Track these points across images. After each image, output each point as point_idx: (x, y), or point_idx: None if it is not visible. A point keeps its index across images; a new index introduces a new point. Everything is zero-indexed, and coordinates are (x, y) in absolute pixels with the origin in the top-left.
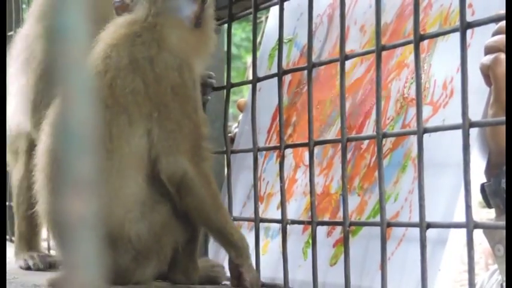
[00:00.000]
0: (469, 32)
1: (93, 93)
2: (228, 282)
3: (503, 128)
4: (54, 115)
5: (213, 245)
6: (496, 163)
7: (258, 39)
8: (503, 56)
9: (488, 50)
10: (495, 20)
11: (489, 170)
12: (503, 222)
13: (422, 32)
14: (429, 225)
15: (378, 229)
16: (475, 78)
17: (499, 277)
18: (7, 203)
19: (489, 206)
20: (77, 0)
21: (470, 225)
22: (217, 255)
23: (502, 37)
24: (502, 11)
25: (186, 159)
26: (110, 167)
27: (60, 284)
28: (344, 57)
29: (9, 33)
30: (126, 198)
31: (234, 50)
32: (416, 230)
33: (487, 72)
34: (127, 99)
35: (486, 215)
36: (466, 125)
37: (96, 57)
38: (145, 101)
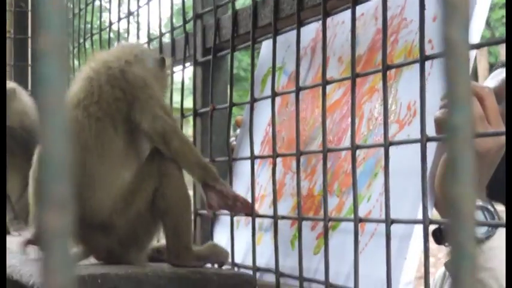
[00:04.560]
0: (428, 63)
1: (68, 130)
2: (229, 266)
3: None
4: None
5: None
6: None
7: None
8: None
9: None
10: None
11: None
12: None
13: (389, 63)
14: (393, 221)
15: (353, 225)
16: (434, 101)
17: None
18: None
19: (439, 243)
20: (57, 52)
21: (426, 221)
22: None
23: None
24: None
25: (163, 115)
26: (102, 169)
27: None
28: (325, 83)
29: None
30: (115, 192)
31: (242, 72)
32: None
33: (442, 123)
34: (111, 107)
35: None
36: (424, 140)
37: (81, 81)
38: (124, 103)
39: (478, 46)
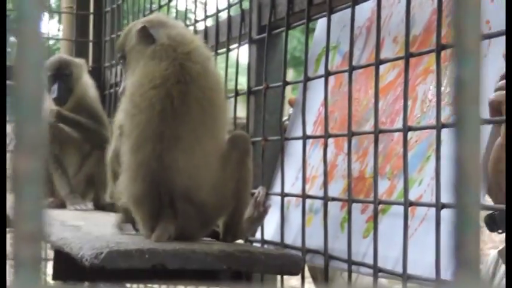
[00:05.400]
0: (486, 43)
1: (41, 69)
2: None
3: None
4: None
5: None
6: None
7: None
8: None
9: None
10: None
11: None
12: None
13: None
14: (444, 206)
15: (403, 208)
16: (489, 83)
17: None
18: None
19: (492, 230)
20: None
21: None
22: None
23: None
24: None
25: None
26: (212, 148)
27: None
28: (378, 62)
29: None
30: (212, 173)
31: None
32: None
33: (497, 106)
34: None
35: None
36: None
37: None
38: None
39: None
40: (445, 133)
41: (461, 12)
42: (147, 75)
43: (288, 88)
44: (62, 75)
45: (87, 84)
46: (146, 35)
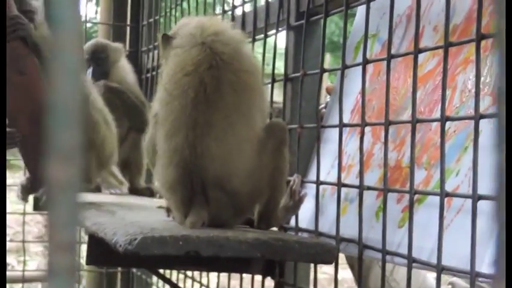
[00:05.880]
0: None
1: (78, 75)
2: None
3: None
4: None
5: None
6: None
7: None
8: None
9: None
10: None
11: None
12: None
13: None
14: (480, 197)
15: (439, 199)
16: None
17: None
18: None
19: None
20: None
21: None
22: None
23: None
24: None
25: None
26: (246, 135)
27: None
28: (417, 51)
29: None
30: (247, 161)
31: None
32: None
33: None
34: None
35: None
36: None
37: None
38: None
39: None
40: (484, 124)
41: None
42: (179, 64)
43: (325, 73)
44: (98, 58)
45: (125, 68)
46: (167, 39)
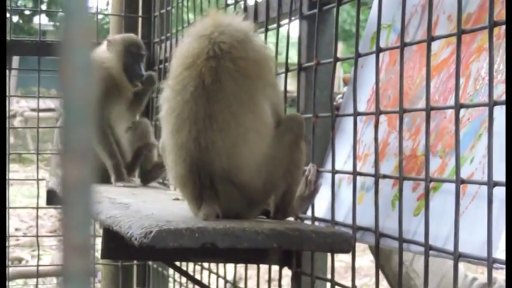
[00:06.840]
0: None
1: (89, 72)
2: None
3: None
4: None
5: None
6: None
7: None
8: None
9: None
10: None
11: None
12: None
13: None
14: (495, 184)
15: (454, 186)
16: None
17: None
18: None
19: None
20: None
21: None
22: None
23: None
24: None
25: None
26: (255, 127)
27: None
28: (430, 39)
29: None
30: (259, 154)
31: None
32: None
33: None
34: None
35: None
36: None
37: None
38: None
39: None
40: (497, 110)
41: None
42: (180, 57)
43: (338, 62)
44: (144, 56)
45: None
46: None
